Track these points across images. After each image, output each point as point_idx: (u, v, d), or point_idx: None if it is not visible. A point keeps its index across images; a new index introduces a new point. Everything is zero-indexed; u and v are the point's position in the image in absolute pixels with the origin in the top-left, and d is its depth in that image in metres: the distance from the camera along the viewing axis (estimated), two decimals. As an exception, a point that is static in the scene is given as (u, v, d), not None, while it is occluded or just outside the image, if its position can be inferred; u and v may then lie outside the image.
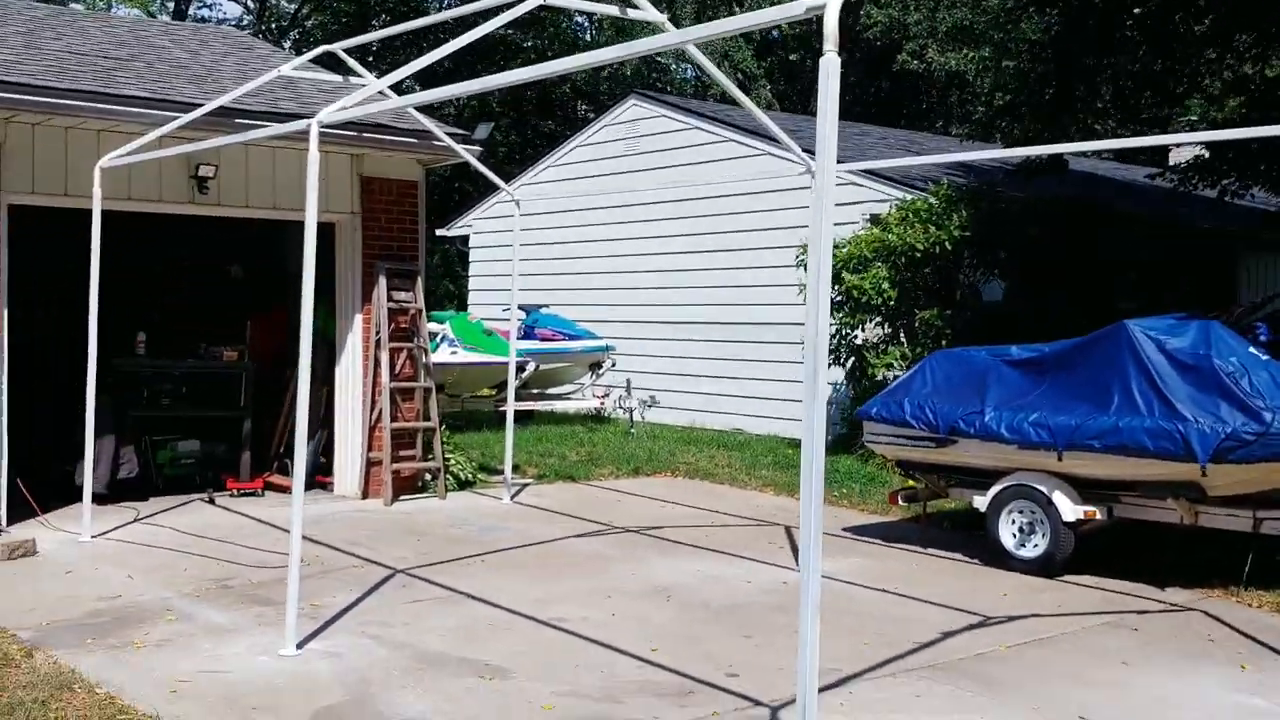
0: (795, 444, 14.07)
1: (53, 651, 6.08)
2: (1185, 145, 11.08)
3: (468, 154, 10.59)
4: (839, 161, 14.11)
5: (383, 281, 10.86)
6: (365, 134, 10.12)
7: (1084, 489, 8.26)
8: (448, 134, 10.53)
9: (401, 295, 11.03)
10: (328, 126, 9.50)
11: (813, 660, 3.93)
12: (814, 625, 3.92)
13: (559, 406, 16.75)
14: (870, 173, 14.20)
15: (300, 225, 11.50)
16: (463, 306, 22.02)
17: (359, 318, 10.95)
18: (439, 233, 21.99)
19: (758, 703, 5.58)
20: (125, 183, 9.55)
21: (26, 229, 9.74)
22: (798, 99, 36.19)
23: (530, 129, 35.88)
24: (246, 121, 9.31)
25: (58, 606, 6.97)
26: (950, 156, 8.93)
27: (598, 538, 9.46)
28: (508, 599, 7.35)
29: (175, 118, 8.84)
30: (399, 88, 20.22)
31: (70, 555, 8.31)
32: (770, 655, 6.31)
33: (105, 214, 9.98)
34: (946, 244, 11.80)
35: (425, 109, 11.06)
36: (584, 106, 34.97)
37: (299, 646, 6.23)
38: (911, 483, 9.66)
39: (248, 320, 11.76)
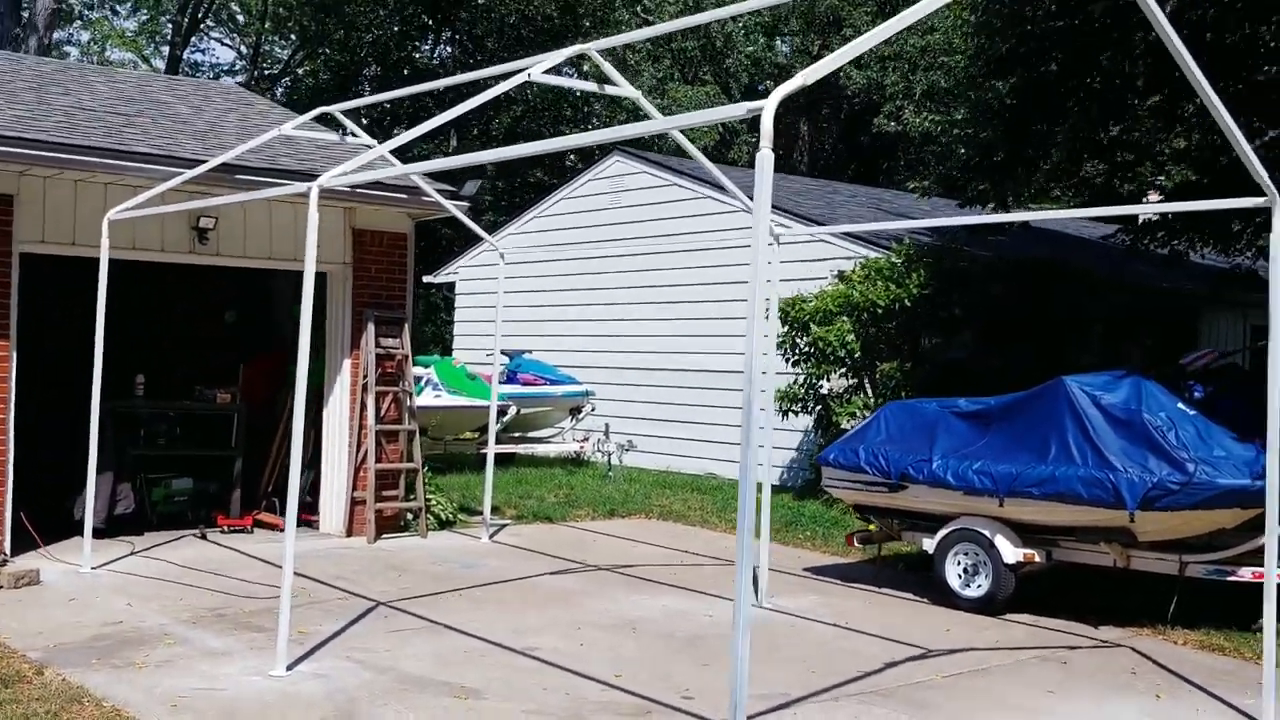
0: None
1: (61, 670, 6.58)
2: (1123, 213, 11.74)
3: (456, 209, 11.20)
4: (811, 223, 14.81)
5: (371, 329, 11.43)
6: (359, 190, 10.71)
7: (1024, 533, 8.84)
8: (437, 190, 11.16)
9: (389, 341, 11.60)
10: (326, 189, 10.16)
11: (743, 673, 4.45)
12: (745, 642, 4.44)
13: (540, 450, 17.29)
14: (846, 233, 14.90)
15: (291, 274, 12.18)
16: (447, 351, 22.61)
17: (347, 363, 11.51)
18: (426, 279, 22.60)
19: (709, 721, 6.12)
20: (130, 233, 10.13)
21: (34, 276, 10.31)
22: (784, 153, 37.05)
23: (519, 178, 36.68)
24: (247, 178, 9.91)
25: (63, 630, 7.46)
26: (901, 224, 9.60)
27: (571, 575, 9.98)
28: (483, 630, 7.87)
29: (180, 173, 9.44)
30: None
31: (72, 584, 8.80)
32: (725, 680, 6.82)
33: (110, 263, 10.59)
34: (906, 301, 12.45)
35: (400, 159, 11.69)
36: (571, 157, 35.79)
37: (289, 668, 6.74)
38: (867, 526, 10.22)
39: (240, 364, 12.31)
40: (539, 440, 17.51)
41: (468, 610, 8.49)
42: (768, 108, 4.22)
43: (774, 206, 15.94)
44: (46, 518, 10.31)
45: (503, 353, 17.92)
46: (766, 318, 13.91)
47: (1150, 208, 8.69)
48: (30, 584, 8.68)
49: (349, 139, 10.83)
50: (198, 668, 6.76)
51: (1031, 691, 6.92)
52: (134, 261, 10.92)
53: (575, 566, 10.35)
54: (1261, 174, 5.95)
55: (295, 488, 7.21)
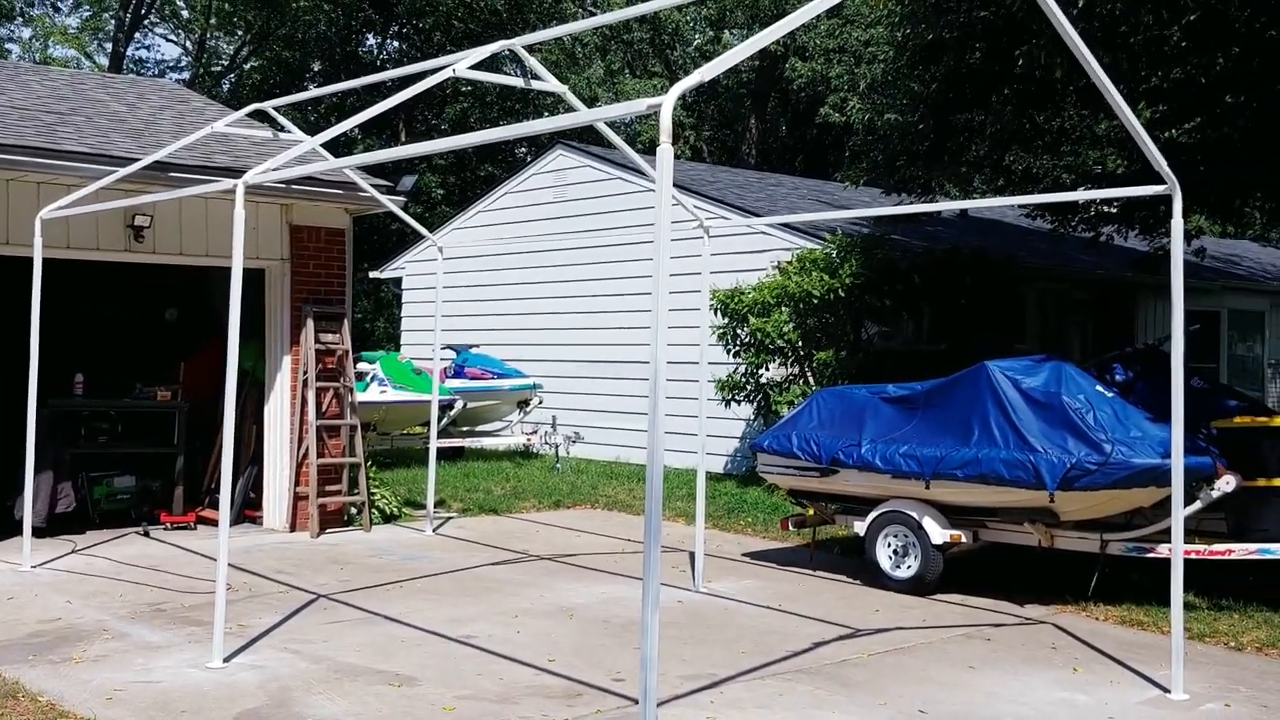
0: (712, 478, 14.83)
1: (-4, 667, 6.64)
2: (1042, 201, 11.97)
3: (392, 204, 11.29)
4: (752, 215, 14.96)
5: (310, 324, 11.49)
6: (294, 186, 10.79)
7: (951, 515, 9.07)
8: (372, 185, 11.23)
9: (329, 337, 11.66)
10: (255, 185, 10.16)
11: (652, 652, 4.60)
12: (654, 619, 4.58)
13: (488, 443, 17.40)
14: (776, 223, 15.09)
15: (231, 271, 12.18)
16: (398, 346, 22.65)
17: (287, 359, 11.56)
18: (372, 275, 22.65)
19: (637, 701, 6.26)
20: (65, 232, 10.14)
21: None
22: (732, 146, 37.32)
23: (469, 173, 36.67)
24: (182, 175, 9.95)
25: (0, 628, 7.50)
26: (832, 214, 9.77)
27: (513, 565, 10.12)
28: (421, 620, 7.99)
29: (113, 171, 9.45)
30: (328, 143, 20.92)
31: (11, 583, 8.83)
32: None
33: (45, 261, 10.58)
34: (840, 290, 12.67)
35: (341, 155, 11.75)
36: (521, 150, 35.84)
37: (226, 660, 6.83)
38: (802, 510, 10.42)
39: (181, 361, 12.32)
40: (487, 434, 17.62)
41: (407, 601, 8.60)
42: (665, 104, 4.37)
43: (714, 199, 16.15)
44: (-14, 518, 10.35)
45: (449, 347, 18.05)
46: (712, 310, 14.15)
47: (1063, 195, 8.94)
48: (-32, 584, 8.70)
49: (283, 135, 10.87)
50: (134, 661, 6.83)
51: (953, 668, 7.13)
52: (74, 261, 10.94)
53: (517, 557, 10.48)
54: (1161, 163, 6.18)
55: (227, 483, 7.30)
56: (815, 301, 12.81)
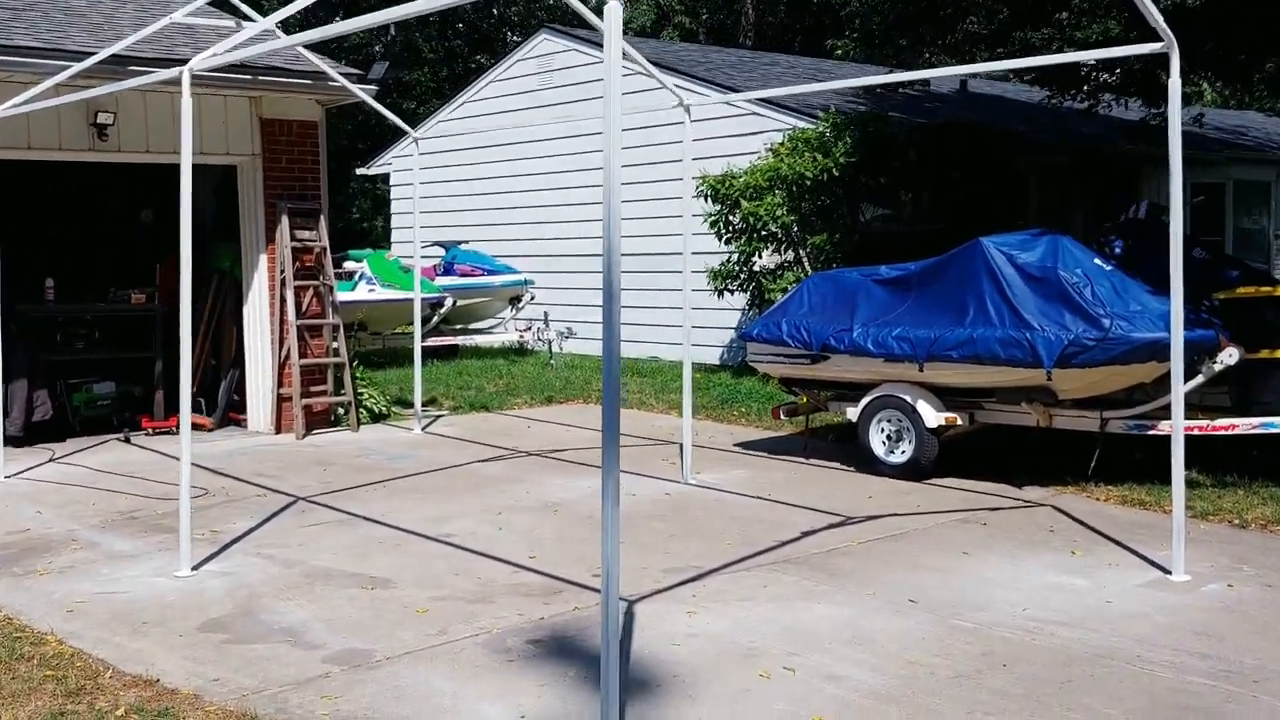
0: (706, 369, 14.58)
1: (-41, 580, 6.44)
2: (1033, 64, 11.36)
3: (363, 94, 10.84)
4: (733, 90, 14.40)
5: (285, 221, 11.13)
6: (260, 77, 10.35)
7: (946, 397, 8.80)
8: (342, 74, 10.78)
9: (305, 234, 11.32)
10: (215, 70, 9.72)
11: (614, 550, 4.36)
12: (614, 516, 4.33)
13: (483, 341, 17.14)
14: (768, 101, 14.58)
15: (207, 169, 11.81)
16: (390, 245, 22.25)
17: (263, 258, 11.23)
18: (360, 171, 22.18)
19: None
20: (24, 132, 9.75)
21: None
22: (729, 25, 36.32)
23: (461, 64, 35.82)
24: (141, 69, 9.49)
25: (-33, 541, 7.32)
26: (815, 86, 9.32)
27: (500, 462, 9.90)
28: (403, 520, 7.78)
29: (68, 67, 9.01)
30: (290, 28, 20.30)
31: (-18, 494, 8.64)
32: (637, 558, 6.79)
33: (6, 163, 10.21)
34: (833, 170, 12.24)
35: (322, 47, 11.29)
36: (515, 39, 34.97)
37: (195, 568, 6.63)
38: (794, 398, 10.16)
39: (157, 264, 11.99)
40: (480, 331, 17.35)
41: (388, 501, 8.39)
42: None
43: (702, 79, 15.63)
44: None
45: (438, 244, 17.70)
46: (697, 194, 13.75)
47: (1056, 58, 8.38)
48: (-61, 496, 8.50)
49: (246, 24, 10.38)
50: (101, 571, 6.64)
51: (947, 553, 6.91)
52: (40, 162, 10.57)
53: (505, 453, 10.26)
54: (1157, 18, 5.75)
55: (187, 386, 7.02)
56: (808, 183, 12.40)
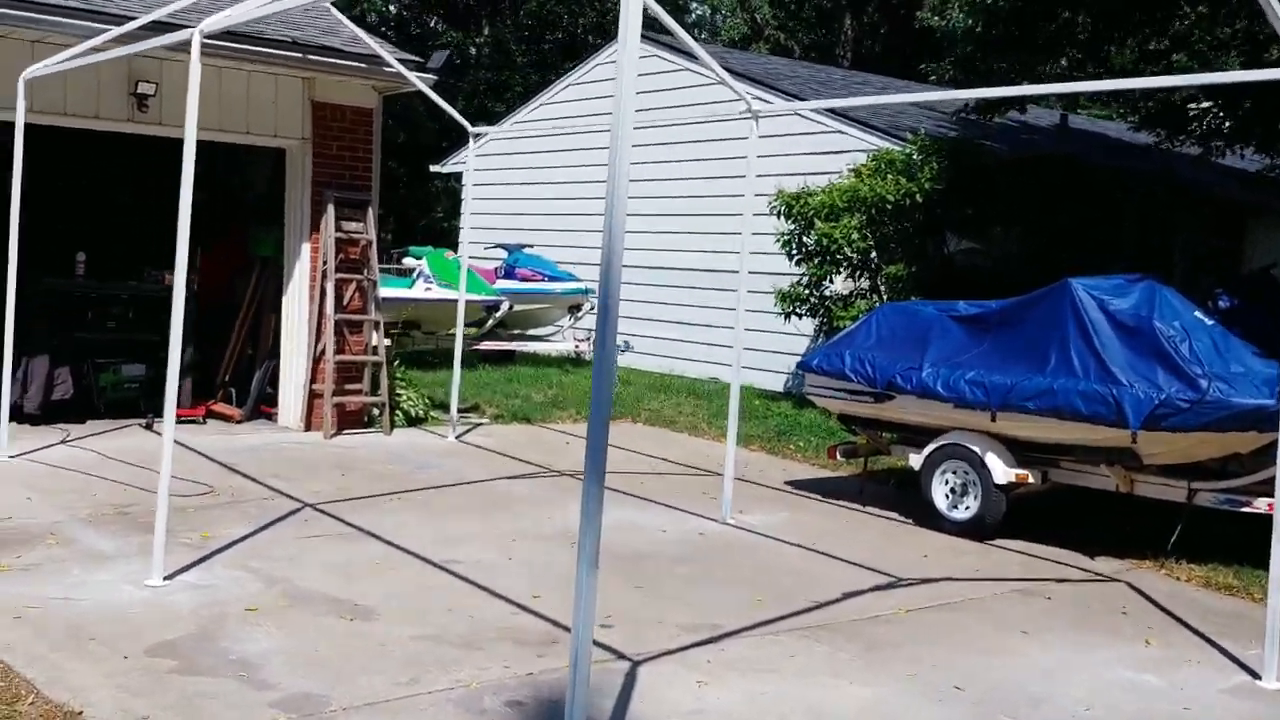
0: (766, 394, 13.81)
1: (-87, 571, 5.93)
2: (1151, 85, 10.42)
3: (420, 82, 10.28)
4: (831, 112, 13.63)
5: (331, 211, 10.60)
6: (311, 56, 9.84)
7: (1019, 451, 7.97)
8: (399, 60, 10.22)
9: (351, 226, 10.79)
10: (263, 44, 9.23)
11: (588, 612, 3.67)
12: (590, 576, 3.65)
13: (539, 348, 16.51)
14: (852, 119, 13.81)
15: (258, 152, 11.33)
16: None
17: (306, 247, 10.72)
18: (433, 168, 21.75)
19: (621, 655, 5.36)
20: (61, 97, 9.34)
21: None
22: (827, 47, 35.50)
23: (554, 72, 35.40)
24: (184, 37, 9.01)
25: (-59, 525, 6.82)
26: (891, 98, 8.55)
27: (530, 480, 9.25)
28: (408, 538, 7.15)
29: (106, 29, 8.55)
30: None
31: (-21, 474, 8.17)
32: (654, 608, 6.08)
33: (46, 131, 9.79)
34: (917, 196, 11.43)
35: (405, 44, 10.75)
36: (598, 42, 34.46)
37: (169, 577, 6.05)
38: (853, 438, 9.39)
39: (198, 245, 11.52)
40: (538, 338, 16.74)
41: (399, 515, 7.77)
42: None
43: (789, 94, 14.87)
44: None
45: (501, 246, 17.12)
46: (770, 211, 12.99)
47: (1186, 79, 7.51)
48: (-66, 472, 8.06)
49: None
50: (70, 573, 6.08)
51: (1003, 631, 6.11)
52: (79, 133, 10.16)
53: (538, 471, 9.61)
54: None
55: (175, 372, 6.52)
56: (889, 208, 11.58)
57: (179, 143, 10.55)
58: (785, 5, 34.67)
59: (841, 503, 9.05)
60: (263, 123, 10.36)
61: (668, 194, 16.29)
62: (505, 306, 15.31)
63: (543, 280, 16.09)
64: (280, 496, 8.11)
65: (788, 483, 9.72)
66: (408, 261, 15.91)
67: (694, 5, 33.01)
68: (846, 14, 34.24)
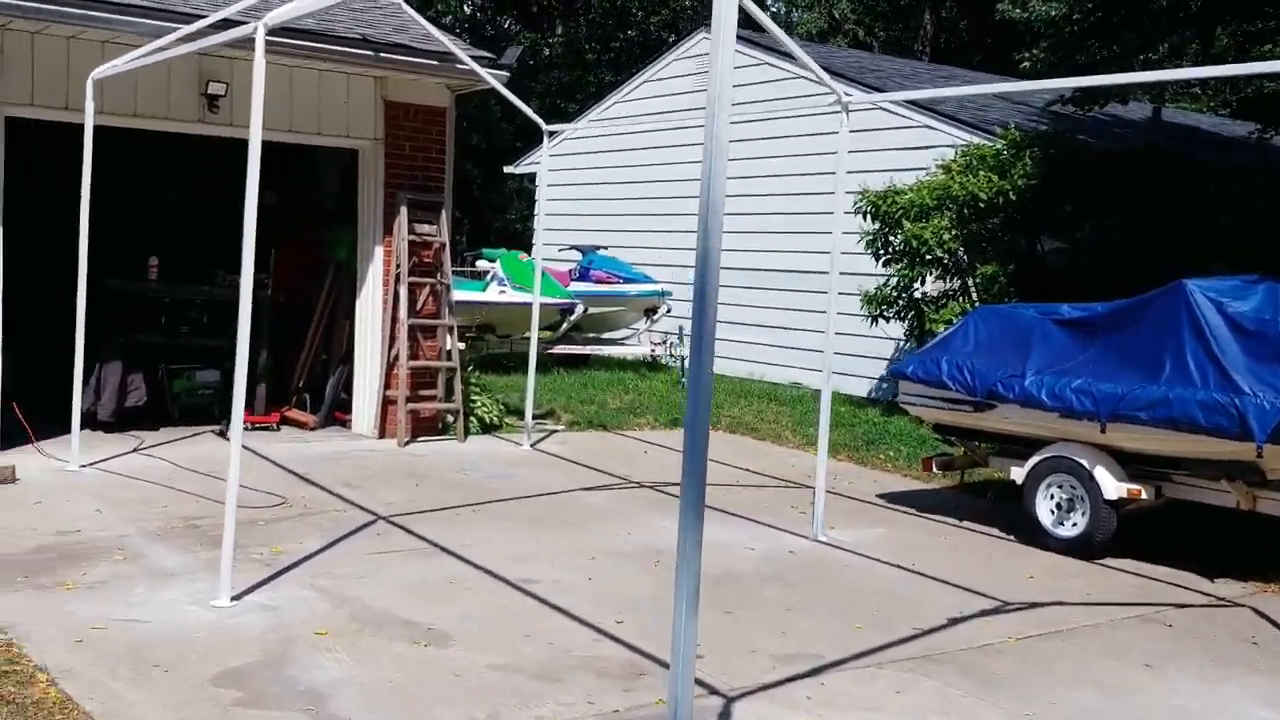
0: (852, 401, 13.34)
1: (-23, 588, 5.72)
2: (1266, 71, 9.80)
3: (493, 79, 9.99)
4: (915, 105, 13.13)
5: (404, 213, 10.35)
6: (383, 54, 9.58)
7: (1130, 465, 7.46)
8: (472, 57, 9.94)
9: (425, 228, 10.52)
10: (332, 42, 8.99)
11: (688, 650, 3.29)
12: (690, 621, 3.27)
13: (614, 352, 16.18)
14: (941, 113, 13.31)
15: (331, 153, 11.12)
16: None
17: (380, 250, 10.48)
18: (506, 170, 21.54)
19: (714, 691, 4.98)
20: (131, 99, 9.17)
21: (33, 145, 9.44)
22: (905, 42, 34.81)
23: (625, 70, 35.10)
24: (248, 32, 8.80)
25: (6, 540, 6.62)
26: (974, 89, 8.08)
27: (607, 491, 8.90)
28: (482, 554, 6.83)
29: (176, 28, 8.35)
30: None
31: (48, 485, 7.99)
32: (745, 636, 5.69)
33: (118, 133, 9.65)
34: (1010, 193, 10.90)
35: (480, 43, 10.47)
36: (672, 39, 34.11)
37: (236, 598, 5.79)
38: (949, 448, 8.92)
39: (272, 248, 11.36)
40: (613, 342, 16.40)
41: (474, 528, 7.46)
42: None
43: (872, 87, 14.37)
44: (59, 410, 9.45)
45: (576, 247, 16.79)
46: (855, 210, 12.53)
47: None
48: (4, 482, 7.89)
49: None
50: (134, 591, 5.84)
51: (1123, 663, 5.63)
52: (152, 134, 10.01)
53: (616, 482, 9.26)
54: None
55: (243, 378, 6.21)
56: (982, 206, 11.07)
57: (248, 143, 10.43)
58: (863, 0, 34.04)
59: (937, 517, 8.59)
60: (335, 123, 10.14)
61: (744, 192, 15.86)
62: (580, 309, 15.00)
63: (618, 282, 15.74)
64: (353, 508, 7.84)
65: (879, 495, 9.27)
66: (481, 264, 15.64)
67: (769, 1, 32.49)
68: (925, 8, 33.54)
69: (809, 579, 6.80)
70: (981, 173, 11.16)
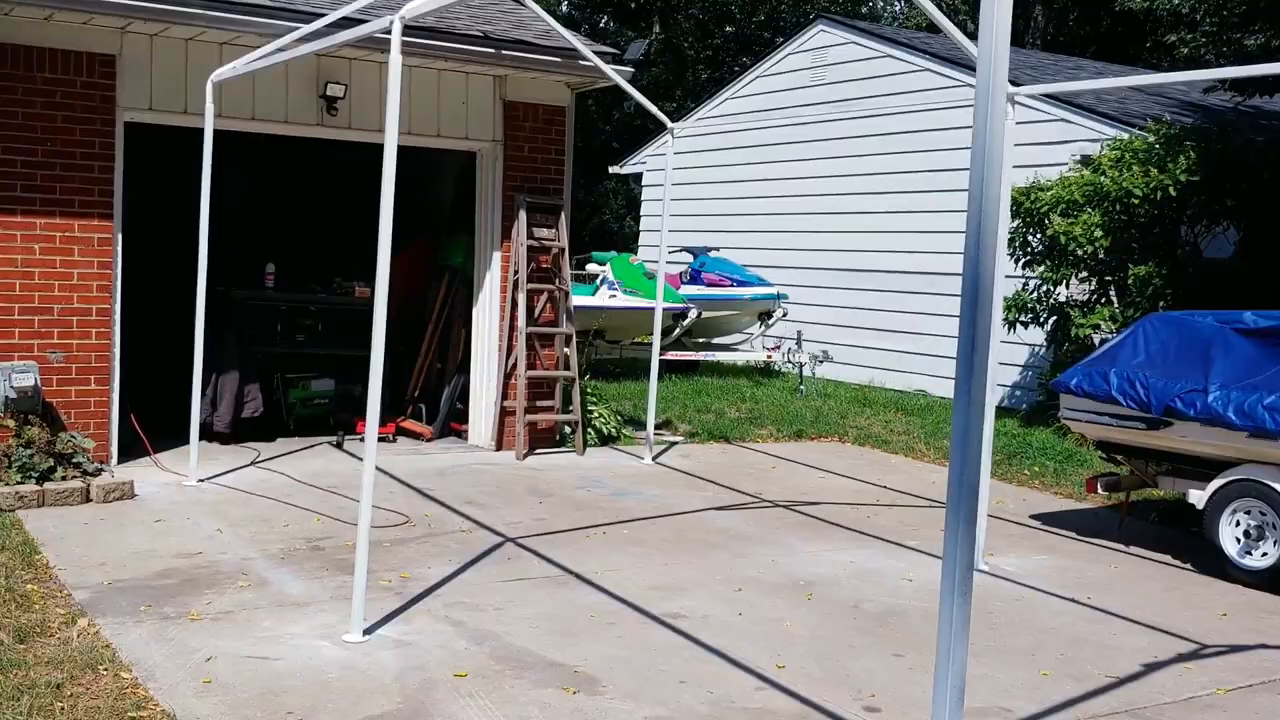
0: (981, 410, 12.65)
1: (99, 619, 5.40)
2: None
3: (618, 76, 9.54)
4: (1048, 96, 12.43)
5: (523, 216, 9.96)
6: (505, 51, 9.20)
7: (1332, 491, 6.76)
8: (596, 53, 9.50)
9: (543, 233, 10.12)
10: (454, 41, 8.62)
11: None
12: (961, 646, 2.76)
13: (726, 358, 15.67)
14: (1079, 107, 12.59)
15: (445, 155, 10.78)
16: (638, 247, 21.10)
17: (497, 255, 10.10)
18: (612, 169, 21.13)
19: (898, 750, 4.45)
20: (249, 102, 8.91)
21: (150, 150, 9.24)
22: (1016, 36, 33.73)
23: (724, 67, 34.57)
24: (382, 25, 8.47)
25: (129, 562, 6.33)
26: (1149, 78, 7.38)
27: (740, 511, 8.40)
28: (620, 584, 6.38)
29: (296, 28, 8.05)
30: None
31: (167, 501, 7.72)
32: (922, 682, 5.14)
33: (235, 137, 9.41)
34: (1170, 190, 10.16)
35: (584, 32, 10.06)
36: (780, 39, 33.52)
37: (368, 631, 5.40)
38: (1115, 468, 8.26)
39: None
40: (724, 347, 15.89)
41: (607, 553, 7.01)
42: None
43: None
44: (175, 421, 9.22)
45: (687, 249, 16.31)
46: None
47: None
48: (122, 498, 7.64)
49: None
50: (261, 624, 5.48)
51: (1357, 722, 4.98)
52: (268, 138, 9.77)
53: (747, 500, 8.75)
54: None
55: (375, 399, 5.82)
56: (1135, 203, 10.35)
57: (366, 147, 10.09)
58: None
59: (1099, 542, 7.94)
60: (454, 124, 9.78)
61: (872, 189, 15.25)
62: (693, 314, 14.51)
63: (731, 285, 15.23)
64: (479, 529, 7.44)
65: (1033, 516, 8.63)
66: (591, 268, 15.23)
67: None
68: (1037, 1, 32.44)
69: (978, 615, 6.20)
70: (1135, 167, 10.43)
